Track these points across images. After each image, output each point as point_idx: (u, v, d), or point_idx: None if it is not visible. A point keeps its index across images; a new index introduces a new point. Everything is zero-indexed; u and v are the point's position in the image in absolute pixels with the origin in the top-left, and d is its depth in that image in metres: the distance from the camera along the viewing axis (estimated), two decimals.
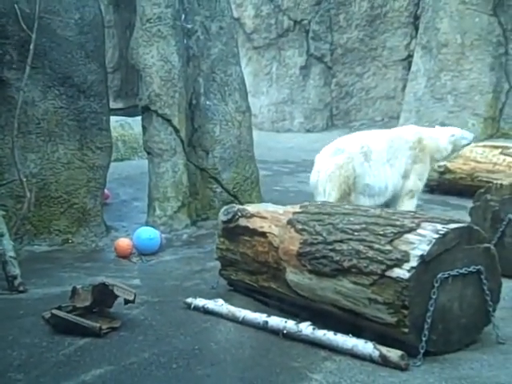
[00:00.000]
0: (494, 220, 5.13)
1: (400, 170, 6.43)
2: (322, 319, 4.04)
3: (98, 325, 4.05)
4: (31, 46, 6.11)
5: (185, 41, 7.06)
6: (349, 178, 6.20)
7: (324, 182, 6.21)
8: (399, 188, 6.47)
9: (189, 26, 7.11)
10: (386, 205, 6.42)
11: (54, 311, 4.11)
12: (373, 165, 6.32)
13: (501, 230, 5.03)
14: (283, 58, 12.67)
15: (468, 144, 6.75)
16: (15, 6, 6.12)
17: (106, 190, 7.03)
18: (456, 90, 10.62)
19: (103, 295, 4.22)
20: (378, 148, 6.37)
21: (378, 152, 6.37)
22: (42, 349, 3.89)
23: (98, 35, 6.63)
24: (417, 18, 11.82)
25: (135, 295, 4.25)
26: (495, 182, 5.44)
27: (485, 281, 3.79)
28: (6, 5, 6.13)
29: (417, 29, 11.67)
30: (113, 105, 9.82)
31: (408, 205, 6.43)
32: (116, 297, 4.25)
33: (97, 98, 6.55)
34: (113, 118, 7.92)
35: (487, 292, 3.81)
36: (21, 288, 4.95)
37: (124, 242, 6.19)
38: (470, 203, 5.65)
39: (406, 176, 6.48)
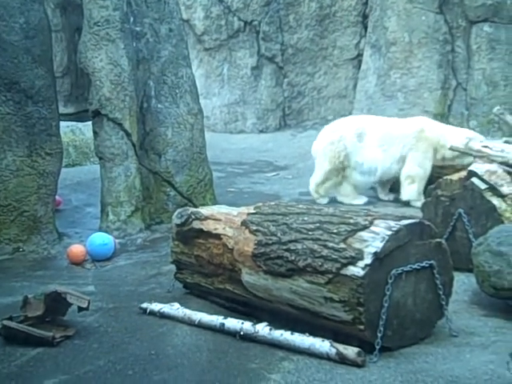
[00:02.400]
0: (445, 215, 5.22)
1: (395, 155, 7.18)
2: (278, 319, 4.06)
3: (50, 334, 3.98)
4: None
5: (134, 44, 6.99)
6: (339, 154, 7.30)
7: (319, 155, 7.51)
8: (393, 172, 7.25)
9: (137, 29, 7.04)
10: (383, 185, 7.53)
11: (5, 322, 4.03)
12: (365, 146, 7.27)
13: (452, 224, 5.11)
14: (234, 59, 12.64)
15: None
16: None
17: (57, 197, 6.90)
18: (405, 87, 10.75)
19: (56, 303, 4.16)
20: (372, 132, 7.30)
21: (372, 135, 7.28)
22: None
23: (44, 39, 6.51)
24: (365, 17, 11.93)
25: (89, 302, 4.19)
26: (445, 177, 5.52)
27: (437, 275, 3.86)
28: None
29: (366, 28, 11.78)
30: (63, 110, 9.64)
31: (408, 190, 7.14)
32: (69, 305, 4.19)
33: (45, 104, 6.43)
34: (63, 124, 7.81)
35: (440, 286, 3.88)
36: None
37: (77, 249, 6.09)
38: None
39: (402, 162, 7.18)
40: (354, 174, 7.38)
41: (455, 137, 6.90)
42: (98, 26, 6.68)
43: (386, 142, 7.23)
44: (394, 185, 7.50)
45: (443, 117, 10.55)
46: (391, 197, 7.50)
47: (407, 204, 7.07)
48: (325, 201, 7.44)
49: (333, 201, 7.44)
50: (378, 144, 7.25)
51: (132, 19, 7.01)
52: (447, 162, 7.04)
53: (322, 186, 7.51)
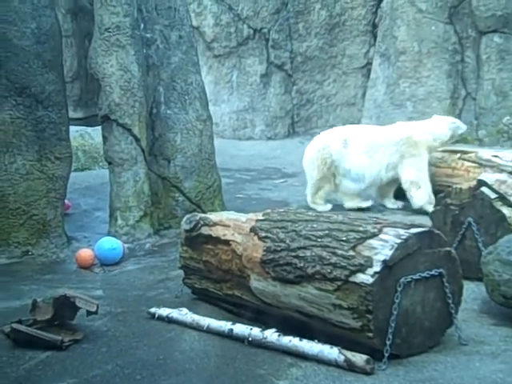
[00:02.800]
0: (454, 224, 5.20)
1: (381, 162, 7.31)
2: (287, 326, 4.05)
3: (59, 338, 3.99)
4: None
5: (144, 50, 7.02)
6: (326, 160, 7.47)
7: (308, 164, 7.71)
8: (384, 180, 7.38)
9: (148, 35, 7.07)
10: (383, 193, 7.61)
11: (14, 325, 4.04)
12: (350, 153, 7.40)
13: (461, 233, 5.10)
14: (244, 67, 12.68)
15: (463, 133, 7.68)
16: None
17: (66, 201, 6.93)
18: (415, 96, 10.76)
19: (65, 307, 4.16)
20: (357, 139, 7.44)
21: (357, 143, 7.41)
22: (1, 363, 3.81)
23: (55, 45, 6.55)
24: (375, 26, 11.95)
25: (98, 306, 4.20)
26: (454, 186, 5.52)
27: (446, 284, 3.85)
28: None
29: (375, 37, 11.80)
30: (72, 114, 9.70)
31: (417, 196, 7.16)
32: (78, 309, 4.19)
33: (55, 108, 6.46)
34: (72, 128, 7.83)
35: (449, 295, 3.86)
36: None
37: (86, 253, 6.10)
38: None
39: (392, 169, 7.32)
40: (344, 181, 7.51)
41: (440, 127, 7.32)
42: (109, 32, 6.70)
43: (371, 149, 7.36)
44: (399, 192, 7.52)
45: None
46: (400, 204, 7.51)
47: (418, 211, 7.03)
48: (327, 208, 7.52)
49: (335, 205, 7.55)
50: (364, 151, 7.39)
51: (142, 26, 7.04)
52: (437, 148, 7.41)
53: (317, 195, 7.65)
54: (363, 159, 7.36)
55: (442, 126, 7.35)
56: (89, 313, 4.21)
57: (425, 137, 7.28)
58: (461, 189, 5.30)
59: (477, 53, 10.53)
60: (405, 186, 7.25)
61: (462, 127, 7.54)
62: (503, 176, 5.32)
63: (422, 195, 7.14)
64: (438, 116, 7.83)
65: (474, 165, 6.71)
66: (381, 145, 7.33)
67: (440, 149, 7.36)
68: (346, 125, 8.73)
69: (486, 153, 6.21)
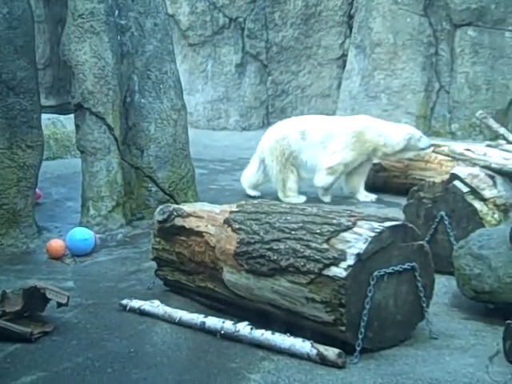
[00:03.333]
0: (427, 217, 5.24)
1: (330, 150, 7.30)
2: (259, 319, 4.04)
3: (29, 330, 3.94)
4: None
5: (118, 37, 6.92)
6: (284, 152, 7.41)
7: (266, 154, 7.57)
8: None
9: (122, 22, 6.98)
10: (351, 185, 7.54)
11: None
12: (308, 144, 7.41)
13: (433, 227, 5.14)
14: (219, 56, 12.60)
15: (424, 149, 7.25)
16: None
17: (37, 190, 6.83)
18: (389, 88, 10.80)
19: (34, 299, 4.11)
20: (314, 130, 7.42)
21: (314, 134, 7.40)
22: None
23: (27, 30, 6.42)
24: (351, 17, 11.95)
25: (68, 298, 4.15)
26: (428, 179, 5.55)
27: (419, 277, 3.87)
28: None
29: (351, 28, 11.80)
30: (44, 102, 9.55)
31: (322, 178, 7.37)
32: (48, 300, 4.14)
33: (27, 95, 6.34)
34: (44, 116, 7.71)
35: (421, 288, 3.89)
36: None
37: (56, 243, 6.02)
38: (403, 201, 5.76)
39: None
40: (302, 172, 7.54)
41: (395, 134, 7.24)
42: (83, 18, 6.60)
43: (326, 140, 7.37)
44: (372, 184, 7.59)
45: (425, 119, 10.62)
46: (373, 198, 7.49)
47: (391, 204, 7.07)
48: (301, 200, 7.42)
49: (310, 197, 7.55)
50: (319, 141, 7.40)
51: (117, 12, 6.94)
52: (389, 157, 7.40)
53: (287, 188, 7.50)
54: (318, 150, 7.38)
55: (397, 135, 7.25)
56: (59, 304, 4.16)
57: (376, 139, 7.26)
58: (434, 182, 5.33)
59: (451, 46, 10.60)
60: (323, 165, 7.31)
61: (424, 142, 7.26)
62: (476, 170, 5.36)
63: (325, 180, 7.35)
64: (405, 125, 7.90)
65: (446, 158, 6.74)
66: (335, 135, 7.34)
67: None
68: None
69: (458, 146, 6.24)
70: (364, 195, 7.54)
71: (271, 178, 7.59)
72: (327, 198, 7.40)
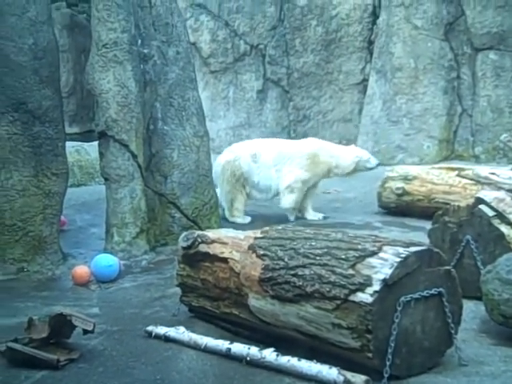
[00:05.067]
0: (453, 242, 5.18)
1: (285, 173, 7.73)
2: (285, 345, 4.01)
3: (55, 357, 3.94)
4: None
5: (141, 66, 7.01)
6: (235, 173, 7.89)
7: (218, 174, 7.93)
8: None
9: (145, 51, 7.07)
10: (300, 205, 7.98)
11: (10, 344, 3.98)
12: (260, 166, 7.88)
13: (459, 251, 5.08)
14: (240, 82, 12.72)
15: (372, 169, 8.00)
16: None
17: (62, 217, 6.89)
18: (411, 113, 10.81)
19: (61, 326, 4.12)
20: (266, 153, 7.90)
21: (266, 157, 7.87)
22: None
23: (52, 60, 6.54)
24: (371, 42, 12.02)
25: (94, 325, 4.16)
26: (452, 203, 5.50)
27: (446, 303, 3.82)
28: None
29: (371, 53, 11.87)
30: (68, 130, 9.69)
31: (286, 199, 7.80)
32: (74, 327, 4.14)
33: (52, 124, 6.44)
34: (68, 144, 7.81)
35: (449, 314, 3.83)
36: None
37: (82, 270, 6.06)
38: (427, 224, 5.72)
39: None
40: (254, 192, 8.03)
41: (346, 157, 7.82)
42: (106, 48, 6.70)
43: (279, 162, 7.83)
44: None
45: (448, 143, 10.59)
46: (320, 216, 7.92)
47: (415, 229, 7.04)
48: (247, 220, 7.93)
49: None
50: (272, 164, 7.86)
51: (140, 41, 7.04)
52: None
53: (234, 208, 7.99)
54: (271, 172, 7.85)
55: (347, 158, 7.81)
56: (85, 331, 4.17)
57: (329, 160, 7.76)
58: (459, 206, 5.28)
59: (472, 69, 10.60)
60: (281, 187, 7.78)
61: (372, 162, 7.88)
62: (501, 194, 5.31)
63: (290, 200, 7.76)
64: (354, 146, 8.35)
65: (471, 182, 6.71)
66: (288, 157, 7.76)
67: (436, 166, 7.41)
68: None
69: (483, 170, 6.22)
70: (312, 214, 7.97)
71: (220, 197, 7.87)
72: (293, 216, 7.89)
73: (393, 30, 11.02)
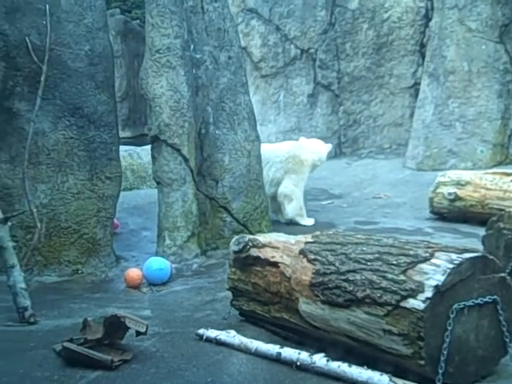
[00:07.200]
0: (507, 249, 5.08)
1: (266, 178, 7.90)
2: (335, 350, 3.99)
3: (109, 357, 4.01)
4: (42, 78, 6.16)
5: (194, 71, 7.10)
6: None
7: None
8: (267, 193, 7.77)
9: (198, 56, 7.16)
10: (276, 207, 8.21)
11: (66, 344, 4.07)
12: None
13: None
14: (290, 87, 12.73)
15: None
16: (26, 38, 6.18)
17: (115, 220, 7.02)
18: (464, 117, 10.63)
19: (115, 327, 4.19)
20: None
21: None
22: (53, 382, 3.84)
23: (107, 66, 6.68)
24: (423, 45, 11.88)
25: (147, 327, 4.21)
26: (507, 209, 5.40)
27: (501, 311, 3.75)
28: (17, 37, 6.20)
29: (423, 56, 11.73)
30: (121, 134, 9.83)
31: (289, 208, 8.06)
32: (127, 329, 4.21)
33: (106, 129, 6.58)
34: (121, 148, 7.94)
35: (503, 323, 3.76)
36: (31, 320, 4.91)
37: (134, 273, 6.16)
38: (480, 231, 5.62)
39: (276, 184, 8.09)
40: None
41: (322, 149, 8.28)
42: (160, 53, 6.81)
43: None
44: None
45: (503, 147, 10.39)
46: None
47: (468, 235, 6.92)
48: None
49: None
50: None
51: (192, 47, 7.13)
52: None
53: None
54: None
55: (322, 148, 8.32)
56: (138, 333, 4.23)
57: (311, 156, 8.08)
58: None
59: None
60: (279, 198, 8.08)
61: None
62: None
63: (293, 208, 8.00)
64: (304, 138, 8.71)
65: None
66: (267, 161, 7.94)
67: (490, 171, 7.27)
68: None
69: None
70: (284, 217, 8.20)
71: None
72: (309, 221, 8.06)
73: (446, 33, 10.86)
